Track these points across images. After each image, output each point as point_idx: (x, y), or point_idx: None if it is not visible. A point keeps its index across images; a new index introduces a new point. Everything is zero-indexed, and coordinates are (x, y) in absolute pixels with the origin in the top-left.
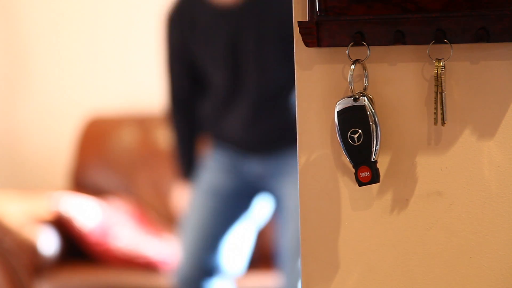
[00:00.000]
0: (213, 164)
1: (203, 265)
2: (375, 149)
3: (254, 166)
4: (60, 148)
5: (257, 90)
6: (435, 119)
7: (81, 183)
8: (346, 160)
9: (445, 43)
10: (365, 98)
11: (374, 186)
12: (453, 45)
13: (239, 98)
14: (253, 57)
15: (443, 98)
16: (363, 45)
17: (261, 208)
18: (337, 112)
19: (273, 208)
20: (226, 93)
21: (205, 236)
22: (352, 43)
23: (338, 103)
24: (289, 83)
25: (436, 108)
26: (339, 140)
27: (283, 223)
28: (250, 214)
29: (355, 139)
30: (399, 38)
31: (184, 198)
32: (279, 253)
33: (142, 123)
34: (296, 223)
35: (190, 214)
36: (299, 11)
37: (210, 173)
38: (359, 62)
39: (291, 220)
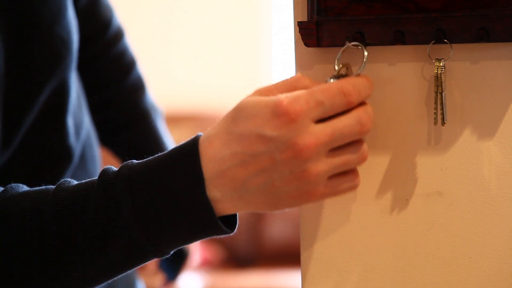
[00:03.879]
0: None
1: None
2: None
3: None
4: None
5: None
6: (435, 119)
7: None
8: None
9: (445, 43)
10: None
11: (374, 186)
12: (453, 45)
13: None
14: None
15: (443, 98)
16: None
17: None
18: None
19: None
20: None
21: None
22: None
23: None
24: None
25: (436, 108)
26: None
27: None
28: None
29: None
30: (399, 38)
31: None
32: None
33: None
34: None
35: None
36: (299, 11)
37: None
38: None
39: None
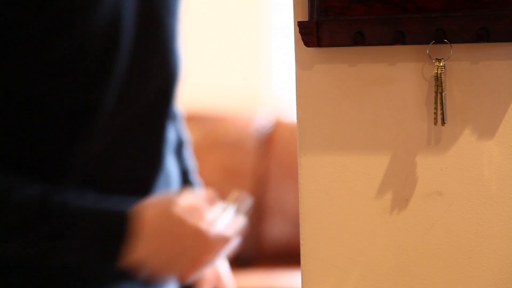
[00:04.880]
0: None
1: None
2: None
3: None
4: None
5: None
6: (435, 119)
7: None
8: (346, 160)
9: (445, 43)
10: None
11: (374, 186)
12: (453, 45)
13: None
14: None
15: (443, 98)
16: (363, 44)
17: None
18: None
19: None
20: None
21: None
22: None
23: None
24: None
25: (436, 108)
26: None
27: None
28: None
29: None
30: (399, 38)
31: None
32: None
33: None
34: None
35: None
36: (299, 11)
37: None
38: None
39: None
